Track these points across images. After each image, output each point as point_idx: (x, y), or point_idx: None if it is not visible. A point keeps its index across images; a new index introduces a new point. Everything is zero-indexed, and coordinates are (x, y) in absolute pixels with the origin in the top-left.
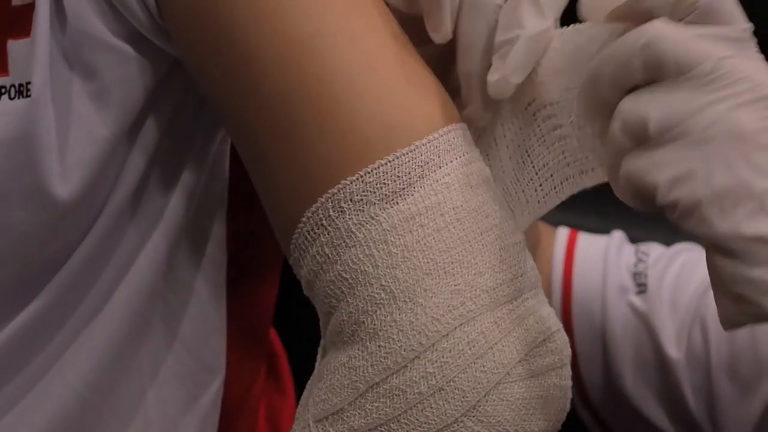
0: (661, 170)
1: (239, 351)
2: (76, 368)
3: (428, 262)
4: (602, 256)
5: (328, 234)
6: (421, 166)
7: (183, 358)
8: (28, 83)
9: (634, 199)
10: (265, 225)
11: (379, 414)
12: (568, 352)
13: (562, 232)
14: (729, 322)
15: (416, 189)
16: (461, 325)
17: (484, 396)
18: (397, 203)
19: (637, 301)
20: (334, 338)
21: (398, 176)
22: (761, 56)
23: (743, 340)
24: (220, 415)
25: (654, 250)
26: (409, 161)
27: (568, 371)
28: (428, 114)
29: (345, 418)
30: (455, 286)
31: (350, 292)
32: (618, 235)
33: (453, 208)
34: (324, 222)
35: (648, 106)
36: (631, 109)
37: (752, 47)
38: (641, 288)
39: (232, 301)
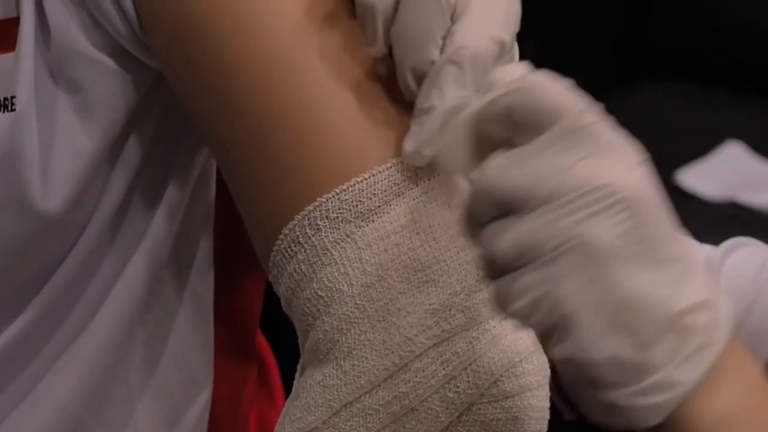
0: (517, 298)
1: (227, 358)
2: (64, 382)
3: (403, 282)
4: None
5: (304, 251)
6: (398, 184)
7: (170, 370)
8: (13, 97)
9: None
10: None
11: None
12: (546, 372)
13: None
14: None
15: (392, 207)
16: (435, 345)
17: (458, 417)
18: (373, 221)
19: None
20: (310, 356)
21: (374, 194)
22: (607, 146)
23: None
24: (210, 425)
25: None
26: (385, 179)
27: (545, 392)
28: (406, 131)
29: None
30: (430, 305)
31: (326, 311)
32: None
33: (429, 227)
34: (300, 239)
35: (492, 242)
36: (487, 249)
37: (590, 143)
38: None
39: (218, 309)
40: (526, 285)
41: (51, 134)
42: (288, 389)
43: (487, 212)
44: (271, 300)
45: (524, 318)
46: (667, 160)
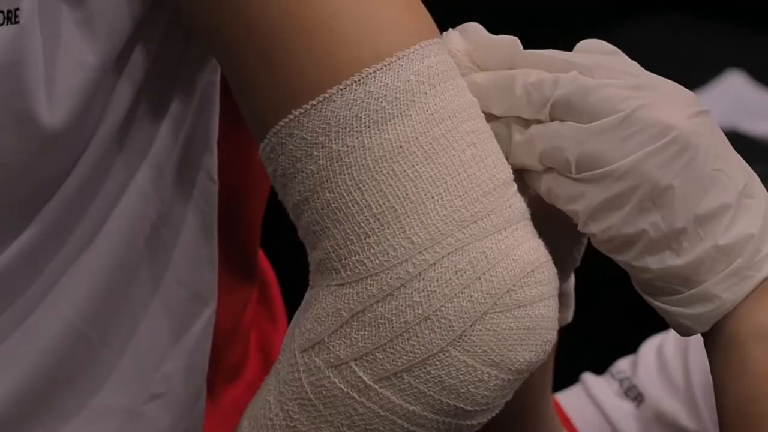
0: (578, 199)
1: (230, 275)
2: (68, 299)
3: (418, 191)
4: (590, 401)
5: (314, 156)
6: (411, 90)
7: (174, 288)
8: (17, 9)
9: (548, 209)
10: (253, 148)
11: (365, 343)
12: (557, 283)
13: None
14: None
15: (406, 116)
16: (449, 254)
17: (471, 326)
18: (387, 131)
19: (642, 411)
20: (320, 267)
21: (389, 101)
22: (668, 92)
23: None
24: (211, 344)
25: (621, 362)
26: (392, 82)
27: (555, 302)
28: (420, 38)
29: (330, 348)
30: (444, 215)
31: (337, 220)
32: (589, 377)
33: (443, 135)
34: (312, 142)
35: (567, 146)
36: (548, 144)
37: (654, 89)
38: (638, 398)
39: (221, 227)
40: (591, 197)
41: (54, 47)
42: (289, 307)
43: (555, 116)
44: (274, 218)
45: (584, 224)
46: None
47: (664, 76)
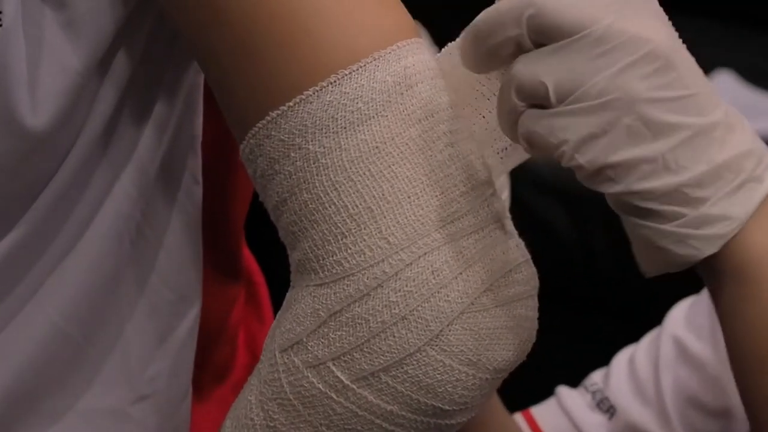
0: (562, 134)
1: (214, 277)
2: (54, 300)
3: (394, 191)
4: (563, 414)
5: (291, 159)
6: (387, 91)
7: (160, 289)
8: (0, 12)
9: (535, 151)
10: (237, 149)
11: (342, 343)
12: (536, 282)
13: (518, 418)
14: (650, 271)
15: (382, 117)
16: (425, 254)
17: (448, 326)
18: (363, 131)
19: (614, 424)
20: (300, 267)
21: (365, 102)
22: (644, 6)
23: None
24: (198, 344)
25: (595, 374)
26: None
27: (534, 302)
28: (397, 38)
29: (309, 348)
30: (421, 215)
31: (314, 220)
32: (563, 390)
33: (419, 136)
34: (289, 144)
35: (543, 71)
36: (525, 72)
37: (633, 4)
38: (611, 410)
39: (205, 228)
40: (572, 124)
41: (38, 50)
42: (276, 307)
43: (522, 37)
44: (261, 218)
45: (569, 156)
46: None
47: None
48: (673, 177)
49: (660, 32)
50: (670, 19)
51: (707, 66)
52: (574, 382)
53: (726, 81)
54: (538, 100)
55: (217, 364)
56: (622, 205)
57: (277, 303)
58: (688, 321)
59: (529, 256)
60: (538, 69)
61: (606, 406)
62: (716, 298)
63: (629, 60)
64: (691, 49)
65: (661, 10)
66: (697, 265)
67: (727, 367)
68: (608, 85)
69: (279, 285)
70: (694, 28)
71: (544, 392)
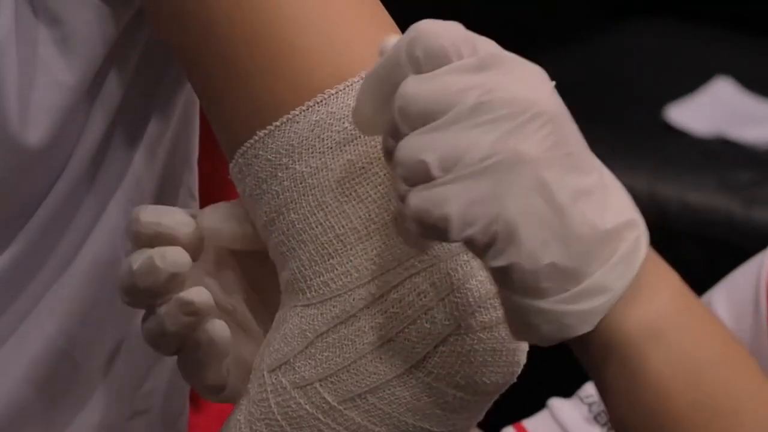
0: (450, 206)
1: None
2: (51, 317)
3: (380, 212)
4: (558, 427)
5: (277, 179)
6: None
7: None
8: None
9: (425, 234)
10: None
11: (329, 364)
12: None
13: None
14: (519, 339)
15: (369, 137)
16: (411, 276)
17: (434, 348)
18: (349, 152)
19: None
20: (288, 287)
21: (351, 122)
22: (517, 68)
23: None
24: None
25: (589, 385)
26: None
27: None
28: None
29: (296, 368)
30: None
31: (302, 241)
32: (556, 402)
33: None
34: (275, 164)
35: (422, 149)
36: (407, 156)
37: (500, 66)
38: (609, 423)
39: None
40: (453, 194)
41: (31, 66)
42: None
43: (406, 129)
44: None
45: (457, 230)
46: (656, 96)
47: (653, 81)
48: (562, 251)
49: (541, 92)
50: (669, 27)
51: (705, 72)
52: (567, 392)
53: (724, 88)
54: (424, 181)
55: None
56: (503, 278)
57: None
58: None
59: None
60: (418, 151)
61: (604, 420)
62: (593, 372)
63: (508, 126)
64: (690, 55)
65: (539, 69)
66: (570, 340)
67: None
68: (488, 151)
69: None
70: (693, 35)
71: (535, 403)
